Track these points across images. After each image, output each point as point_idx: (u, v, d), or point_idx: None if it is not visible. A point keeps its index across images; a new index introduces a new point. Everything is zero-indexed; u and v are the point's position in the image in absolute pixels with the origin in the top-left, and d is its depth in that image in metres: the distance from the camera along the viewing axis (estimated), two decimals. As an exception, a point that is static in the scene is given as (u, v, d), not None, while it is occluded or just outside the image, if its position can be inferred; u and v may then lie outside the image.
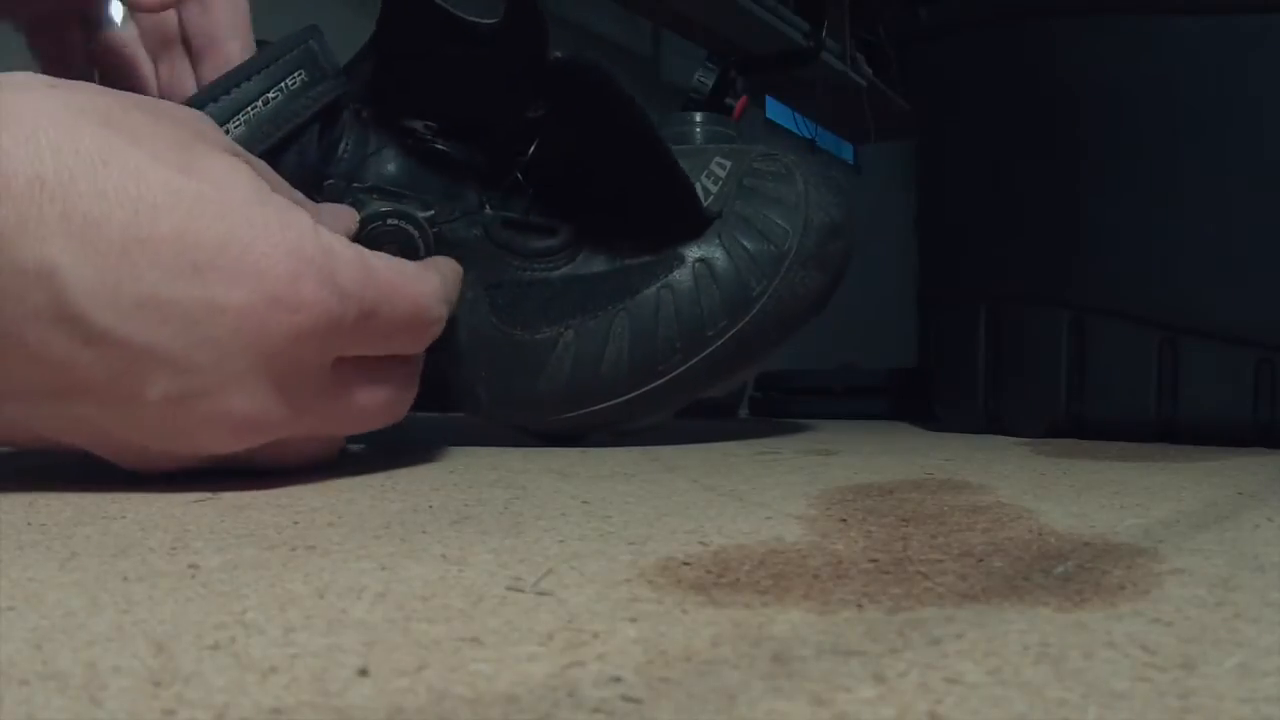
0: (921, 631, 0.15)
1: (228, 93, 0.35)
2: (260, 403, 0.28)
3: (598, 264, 0.44)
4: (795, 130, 1.91)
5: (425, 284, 0.32)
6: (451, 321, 0.40)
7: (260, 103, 0.35)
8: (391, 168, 0.40)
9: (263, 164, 0.31)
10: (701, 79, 0.80)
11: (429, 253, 0.38)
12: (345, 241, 0.29)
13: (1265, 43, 0.50)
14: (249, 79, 0.35)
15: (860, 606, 0.16)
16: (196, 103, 0.35)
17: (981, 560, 0.20)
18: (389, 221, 0.38)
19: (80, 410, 0.26)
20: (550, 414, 0.44)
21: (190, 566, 0.18)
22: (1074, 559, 0.20)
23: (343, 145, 0.39)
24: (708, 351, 0.44)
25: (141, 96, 0.29)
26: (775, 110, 1.88)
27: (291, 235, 0.27)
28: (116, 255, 0.25)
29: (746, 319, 0.44)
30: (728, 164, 0.47)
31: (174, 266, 0.25)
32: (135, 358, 0.25)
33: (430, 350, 0.36)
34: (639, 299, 0.43)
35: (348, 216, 0.36)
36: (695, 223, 0.45)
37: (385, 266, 0.30)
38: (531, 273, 0.43)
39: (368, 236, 0.37)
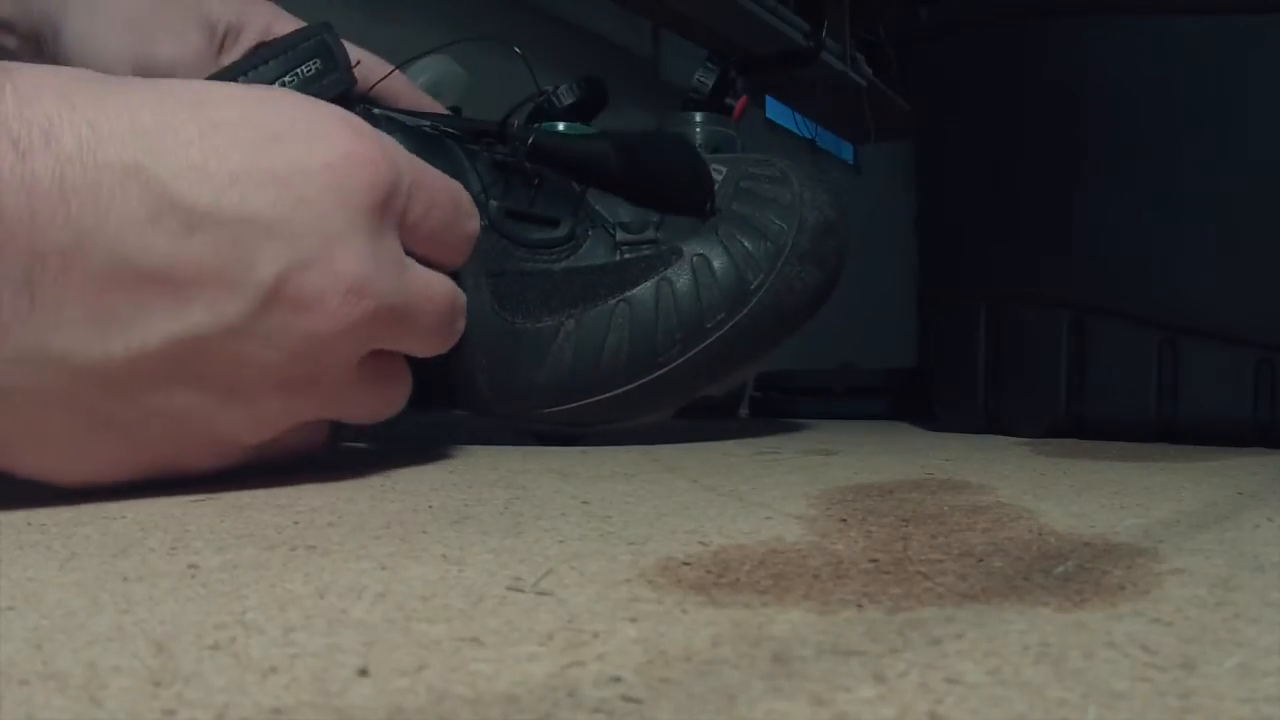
0: (921, 631, 0.15)
1: (245, 74, 0.36)
2: (364, 262, 0.28)
3: (599, 256, 0.45)
4: (795, 130, 1.91)
5: (454, 180, 0.34)
6: None
7: (276, 85, 0.37)
8: None
9: None
10: (701, 79, 0.80)
11: None
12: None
13: (1265, 43, 0.50)
14: (266, 63, 0.37)
15: (860, 606, 0.16)
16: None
17: (981, 560, 0.20)
18: None
19: (194, 318, 0.26)
20: (550, 404, 0.44)
21: (190, 566, 0.18)
22: (1074, 559, 0.20)
23: None
24: (707, 343, 0.45)
25: None
26: (775, 110, 1.88)
27: (341, 111, 0.29)
28: (197, 142, 0.26)
29: (744, 312, 0.45)
30: (724, 169, 0.49)
31: (254, 140, 0.27)
32: (241, 233, 0.26)
33: None
34: (639, 291, 0.44)
35: None
36: (702, 198, 0.46)
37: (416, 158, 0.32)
38: (534, 263, 0.43)
39: None
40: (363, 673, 0.13)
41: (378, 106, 0.41)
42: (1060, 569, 0.19)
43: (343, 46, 0.39)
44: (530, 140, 0.43)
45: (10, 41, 0.39)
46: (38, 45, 0.39)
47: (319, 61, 0.37)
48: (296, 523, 0.23)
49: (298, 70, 0.37)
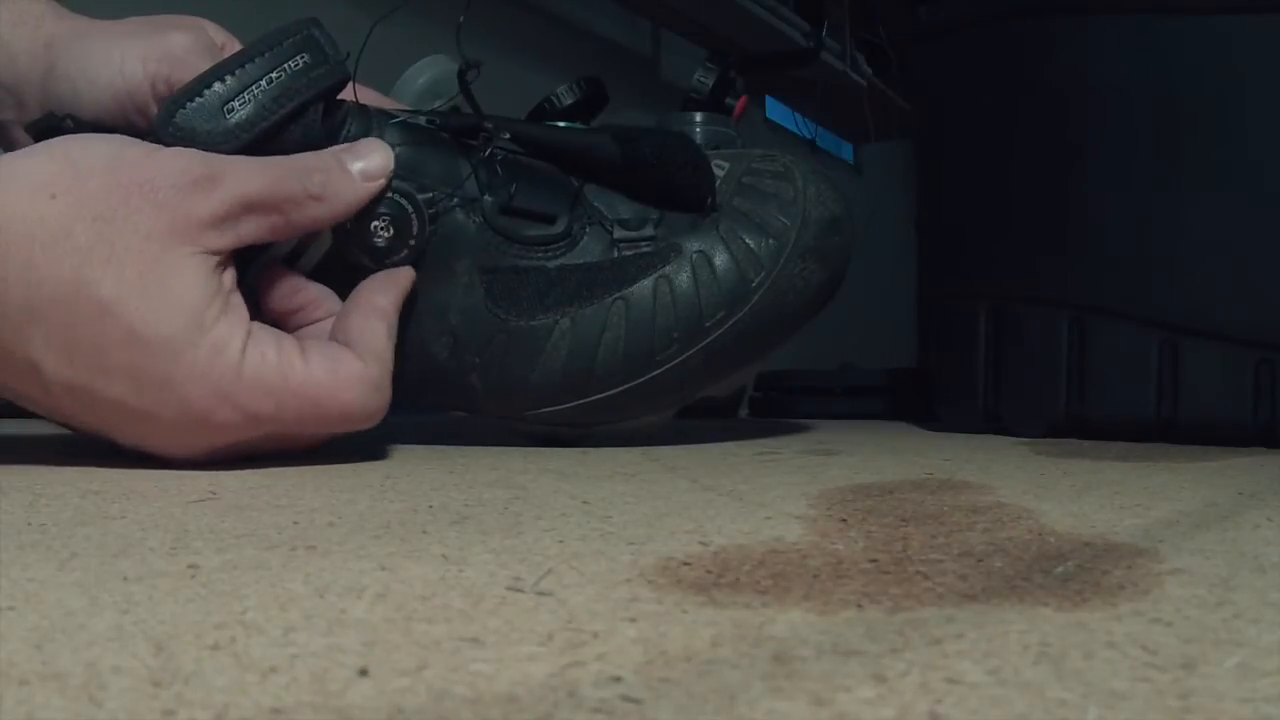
0: (921, 631, 0.15)
1: (232, 73, 0.36)
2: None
3: (595, 253, 0.44)
4: (795, 130, 1.91)
5: (352, 390, 0.35)
6: (444, 309, 0.41)
7: (264, 81, 0.37)
8: (395, 150, 0.40)
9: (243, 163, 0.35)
10: (701, 79, 0.80)
11: (422, 234, 0.40)
12: (276, 362, 0.33)
13: (1265, 43, 0.50)
14: (253, 60, 0.37)
15: (860, 606, 0.16)
16: (205, 80, 0.36)
17: (981, 560, 0.20)
18: (387, 194, 0.39)
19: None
20: (545, 404, 0.44)
21: (190, 566, 0.18)
22: (1074, 559, 0.20)
23: (346, 127, 0.40)
24: (706, 342, 0.44)
25: (136, 171, 0.32)
26: (775, 110, 1.88)
27: (214, 376, 0.32)
28: (88, 369, 0.31)
29: (745, 310, 0.45)
30: (726, 165, 0.48)
31: (127, 384, 0.32)
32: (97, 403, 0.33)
33: (423, 339, 0.41)
34: (636, 288, 0.44)
35: (379, 152, 0.39)
36: (703, 193, 0.46)
37: (304, 385, 0.34)
38: (528, 260, 0.43)
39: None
40: (363, 673, 0.13)
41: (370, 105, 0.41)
42: (1060, 569, 0.19)
43: (333, 41, 0.39)
44: (496, 133, 0.43)
45: None
46: (19, 101, 0.40)
47: (307, 55, 0.38)
48: (296, 523, 0.23)
49: (285, 65, 0.37)
